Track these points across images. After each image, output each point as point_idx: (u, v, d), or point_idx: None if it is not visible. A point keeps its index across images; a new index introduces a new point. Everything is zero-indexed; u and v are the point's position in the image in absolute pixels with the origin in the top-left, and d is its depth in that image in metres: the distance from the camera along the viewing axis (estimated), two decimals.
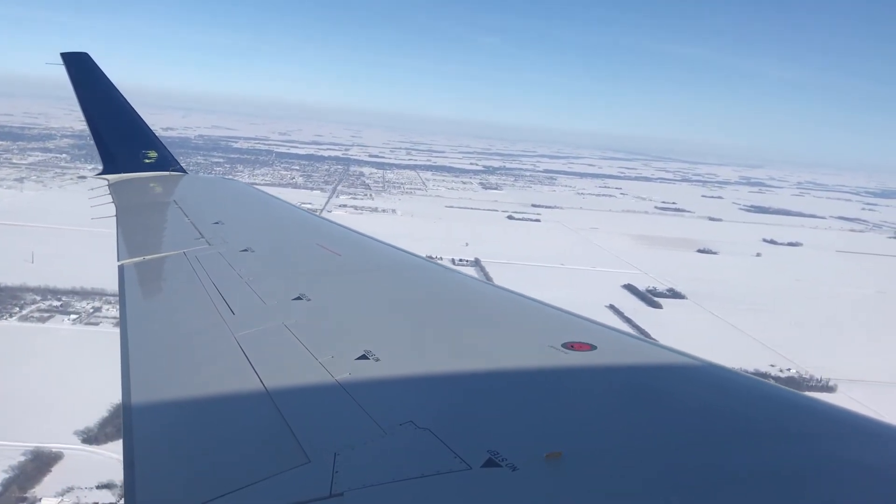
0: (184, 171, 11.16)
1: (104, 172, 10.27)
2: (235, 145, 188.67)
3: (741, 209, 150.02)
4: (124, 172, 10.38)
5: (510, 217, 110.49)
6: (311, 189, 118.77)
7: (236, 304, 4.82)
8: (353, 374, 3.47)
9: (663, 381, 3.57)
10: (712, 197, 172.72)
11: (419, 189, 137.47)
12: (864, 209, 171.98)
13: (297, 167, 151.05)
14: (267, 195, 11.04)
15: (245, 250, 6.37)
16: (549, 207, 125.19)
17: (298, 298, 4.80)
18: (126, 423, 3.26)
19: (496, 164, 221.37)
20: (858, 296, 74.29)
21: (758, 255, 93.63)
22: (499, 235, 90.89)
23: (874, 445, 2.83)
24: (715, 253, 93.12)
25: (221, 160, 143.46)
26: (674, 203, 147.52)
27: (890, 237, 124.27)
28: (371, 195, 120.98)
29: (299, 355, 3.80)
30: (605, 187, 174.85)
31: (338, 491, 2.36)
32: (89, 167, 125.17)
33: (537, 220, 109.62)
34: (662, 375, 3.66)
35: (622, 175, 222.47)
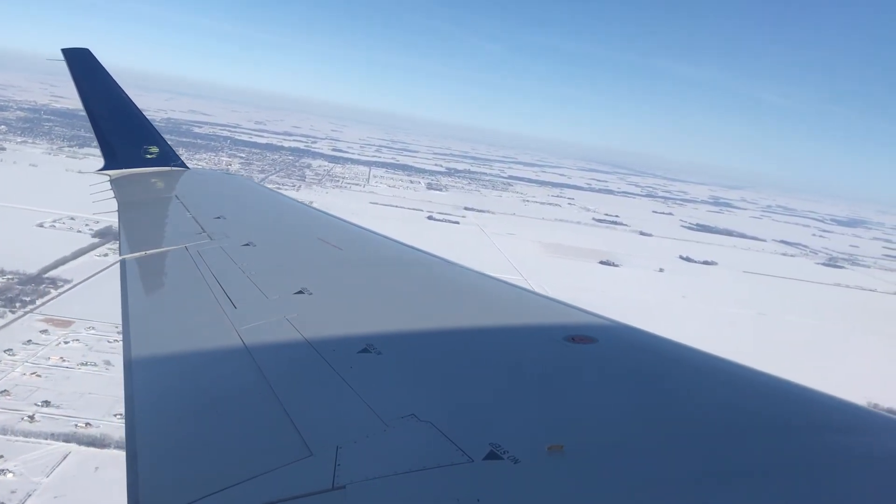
0: (185, 166, 11.21)
1: (105, 168, 10.29)
2: (197, 130, 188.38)
3: (683, 227, 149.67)
4: (126, 168, 10.40)
5: (430, 217, 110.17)
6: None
7: (238, 298, 4.85)
8: (355, 367, 3.49)
9: (665, 373, 3.59)
10: (662, 213, 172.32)
11: (357, 185, 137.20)
12: (814, 235, 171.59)
13: (244, 155, 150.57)
14: (269, 190, 11.26)
15: (247, 245, 6.46)
16: (480, 211, 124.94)
17: (300, 292, 4.85)
18: (128, 417, 3.25)
19: (462, 167, 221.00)
20: (735, 316, 73.86)
21: (660, 270, 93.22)
22: (403, 234, 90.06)
23: (880, 438, 2.85)
24: (616, 266, 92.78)
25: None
26: (616, 216, 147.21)
27: (818, 263, 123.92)
28: (299, 187, 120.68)
29: (301, 349, 3.82)
30: (558, 196, 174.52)
31: (340, 484, 2.39)
32: (19, 139, 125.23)
33: (456, 223, 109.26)
34: (664, 368, 3.68)
35: (587, 187, 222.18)
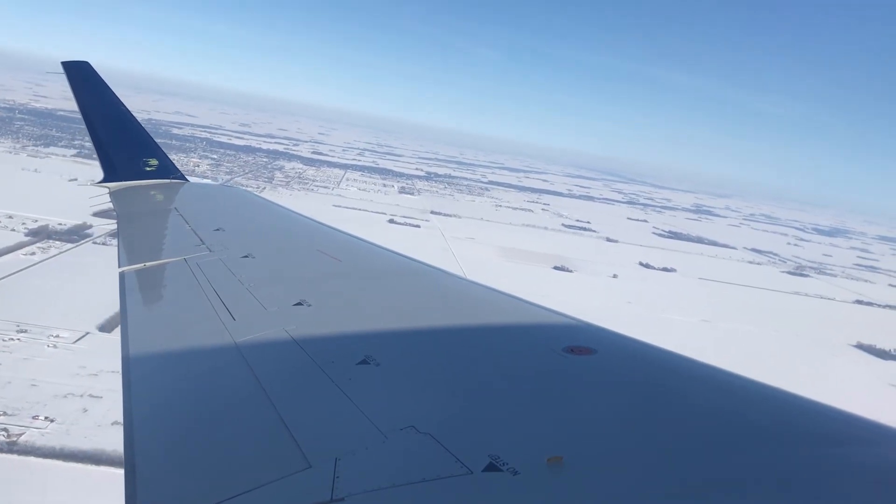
0: (185, 178, 11.32)
1: (105, 180, 10.34)
2: (175, 131, 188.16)
3: (654, 234, 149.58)
4: (125, 180, 10.47)
5: (391, 221, 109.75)
6: (203, 178, 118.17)
7: (237, 309, 4.90)
8: (354, 379, 3.51)
9: (664, 384, 3.60)
10: (637, 220, 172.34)
11: (326, 188, 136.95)
12: (788, 244, 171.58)
13: (216, 156, 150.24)
14: (268, 202, 11.37)
15: (246, 256, 6.51)
16: (447, 216, 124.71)
17: (299, 304, 4.91)
18: (127, 429, 3.26)
19: (443, 171, 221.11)
20: (674, 322, 73.60)
21: (614, 276, 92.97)
22: (359, 236, 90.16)
23: (875, 447, 2.84)
24: (570, 271, 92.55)
25: None
26: (587, 222, 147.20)
27: (783, 271, 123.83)
28: (264, 189, 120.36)
29: (300, 360, 3.85)
30: (534, 202, 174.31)
31: (339, 496, 2.41)
32: None
33: (417, 227, 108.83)
34: (664, 379, 3.68)
35: (567, 193, 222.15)
